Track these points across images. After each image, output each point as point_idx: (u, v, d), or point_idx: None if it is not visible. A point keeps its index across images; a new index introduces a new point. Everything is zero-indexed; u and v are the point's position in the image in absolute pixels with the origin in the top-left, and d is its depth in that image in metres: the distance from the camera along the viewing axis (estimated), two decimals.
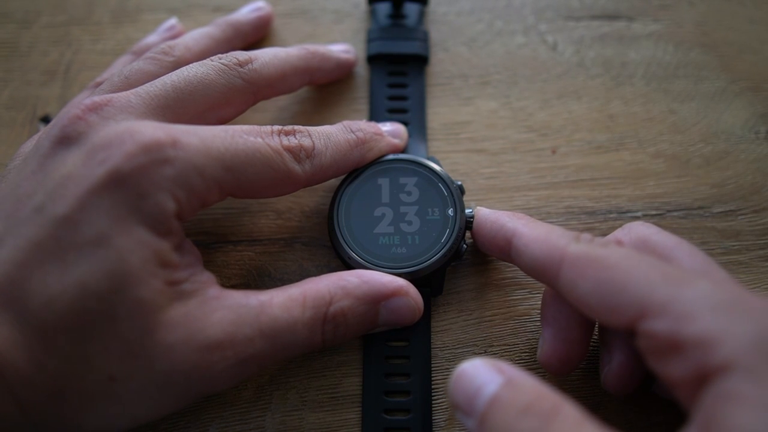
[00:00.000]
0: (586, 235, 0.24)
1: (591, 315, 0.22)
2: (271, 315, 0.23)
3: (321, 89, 0.35)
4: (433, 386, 0.27)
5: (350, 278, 0.26)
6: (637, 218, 0.31)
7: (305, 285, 0.25)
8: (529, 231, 0.25)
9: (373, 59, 0.35)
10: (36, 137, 0.28)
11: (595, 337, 0.27)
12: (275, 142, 0.25)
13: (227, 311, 0.23)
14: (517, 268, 0.30)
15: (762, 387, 0.18)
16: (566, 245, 0.23)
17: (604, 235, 0.31)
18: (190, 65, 0.27)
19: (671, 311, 0.20)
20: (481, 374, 0.21)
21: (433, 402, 0.27)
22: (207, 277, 0.24)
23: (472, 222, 0.29)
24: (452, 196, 0.29)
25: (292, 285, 0.25)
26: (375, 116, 0.33)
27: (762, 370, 0.18)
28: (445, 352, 0.28)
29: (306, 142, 0.27)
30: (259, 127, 0.26)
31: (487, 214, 0.28)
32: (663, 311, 0.20)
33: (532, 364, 0.28)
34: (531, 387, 0.20)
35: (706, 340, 0.19)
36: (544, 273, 0.24)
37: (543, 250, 0.24)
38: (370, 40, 0.35)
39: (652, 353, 0.21)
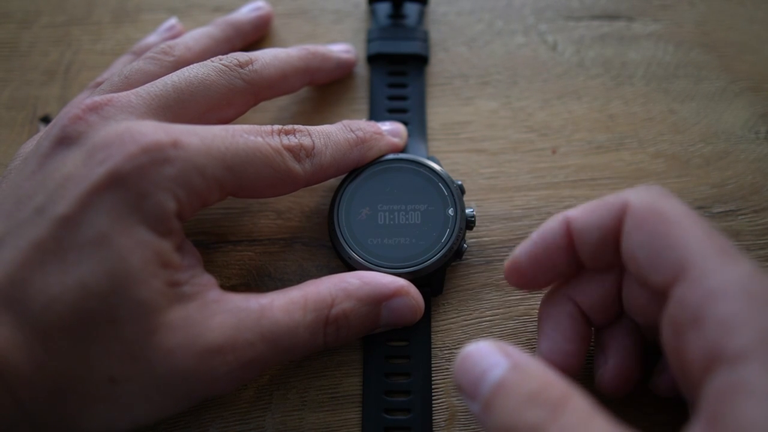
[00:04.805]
0: (645, 186, 0.23)
1: (635, 269, 0.22)
2: (272, 319, 0.23)
3: (321, 89, 0.35)
4: (433, 386, 0.27)
5: (351, 280, 0.26)
6: None
7: (306, 287, 0.25)
8: (581, 208, 0.24)
9: (373, 59, 0.35)
10: (36, 137, 0.28)
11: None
12: (275, 141, 0.26)
13: (228, 315, 0.23)
14: None
15: None
16: (628, 196, 0.22)
17: None
18: (191, 66, 0.27)
19: (707, 283, 0.19)
20: (486, 357, 0.20)
21: (434, 402, 0.27)
22: (207, 279, 0.24)
23: (473, 222, 0.29)
24: (452, 196, 0.29)
25: (292, 287, 0.25)
26: (375, 116, 0.33)
27: None
28: (445, 352, 0.28)
29: (306, 141, 0.27)
30: (259, 126, 0.26)
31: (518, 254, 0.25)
32: (699, 281, 0.19)
33: None
34: (538, 373, 0.20)
35: (729, 323, 0.18)
36: (609, 234, 0.22)
37: (604, 212, 0.23)
38: (370, 40, 0.35)
39: (673, 321, 0.20)
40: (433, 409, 0.27)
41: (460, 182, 0.30)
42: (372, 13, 0.37)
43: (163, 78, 0.26)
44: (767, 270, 0.30)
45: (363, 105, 0.35)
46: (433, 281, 0.28)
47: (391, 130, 0.31)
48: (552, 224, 0.24)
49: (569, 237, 0.23)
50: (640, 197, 0.22)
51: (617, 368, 0.24)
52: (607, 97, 0.35)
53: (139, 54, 0.33)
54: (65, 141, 0.24)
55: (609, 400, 0.27)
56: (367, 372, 0.27)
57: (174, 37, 0.34)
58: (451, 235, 0.28)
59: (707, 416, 0.18)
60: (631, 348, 0.25)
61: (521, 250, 0.24)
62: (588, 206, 0.24)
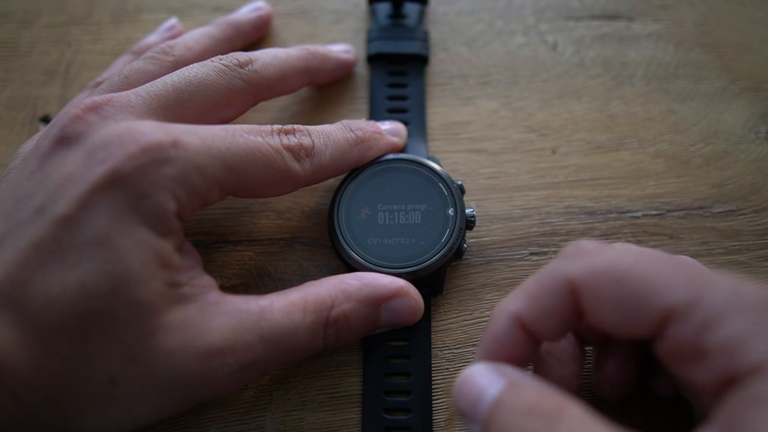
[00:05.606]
0: (582, 243, 0.22)
1: (618, 334, 0.21)
2: (271, 320, 0.23)
3: (321, 89, 0.35)
4: (433, 386, 0.27)
5: (351, 281, 0.26)
6: (637, 218, 0.31)
7: (306, 289, 0.25)
8: (520, 298, 0.22)
9: (373, 59, 0.35)
10: (36, 137, 0.28)
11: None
12: (275, 141, 0.26)
13: (227, 317, 0.23)
14: (517, 268, 0.30)
15: None
16: (567, 272, 0.21)
17: (604, 235, 0.31)
18: (191, 66, 0.27)
19: (696, 314, 0.19)
20: (483, 378, 0.21)
21: (433, 401, 0.27)
22: (207, 281, 0.24)
23: (473, 222, 0.29)
24: (452, 195, 0.29)
25: (292, 289, 0.25)
26: (375, 116, 0.33)
27: None
28: (445, 352, 0.28)
29: (306, 141, 0.27)
30: (259, 126, 0.26)
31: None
32: (687, 314, 0.19)
33: None
34: (534, 388, 0.20)
35: (734, 343, 0.18)
36: (567, 316, 0.21)
37: (552, 298, 0.21)
38: (370, 40, 0.35)
39: (673, 358, 0.20)
40: (433, 409, 0.27)
41: (460, 182, 0.30)
42: (372, 13, 0.37)
43: (162, 78, 0.26)
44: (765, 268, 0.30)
45: (363, 105, 0.35)
46: (433, 281, 0.28)
47: (390, 130, 0.31)
48: (500, 323, 0.22)
49: (524, 332, 0.22)
50: (579, 268, 0.21)
51: (615, 371, 0.24)
52: (607, 97, 0.35)
53: (139, 54, 0.33)
54: (65, 141, 0.24)
55: (609, 401, 0.27)
56: (367, 372, 0.27)
57: (174, 37, 0.34)
58: (451, 235, 0.28)
59: (722, 424, 0.18)
60: (629, 350, 0.24)
61: (479, 357, 0.22)
62: (528, 294, 0.22)
